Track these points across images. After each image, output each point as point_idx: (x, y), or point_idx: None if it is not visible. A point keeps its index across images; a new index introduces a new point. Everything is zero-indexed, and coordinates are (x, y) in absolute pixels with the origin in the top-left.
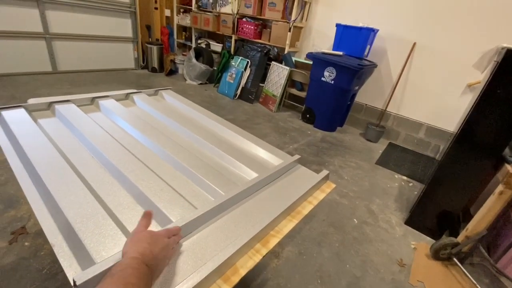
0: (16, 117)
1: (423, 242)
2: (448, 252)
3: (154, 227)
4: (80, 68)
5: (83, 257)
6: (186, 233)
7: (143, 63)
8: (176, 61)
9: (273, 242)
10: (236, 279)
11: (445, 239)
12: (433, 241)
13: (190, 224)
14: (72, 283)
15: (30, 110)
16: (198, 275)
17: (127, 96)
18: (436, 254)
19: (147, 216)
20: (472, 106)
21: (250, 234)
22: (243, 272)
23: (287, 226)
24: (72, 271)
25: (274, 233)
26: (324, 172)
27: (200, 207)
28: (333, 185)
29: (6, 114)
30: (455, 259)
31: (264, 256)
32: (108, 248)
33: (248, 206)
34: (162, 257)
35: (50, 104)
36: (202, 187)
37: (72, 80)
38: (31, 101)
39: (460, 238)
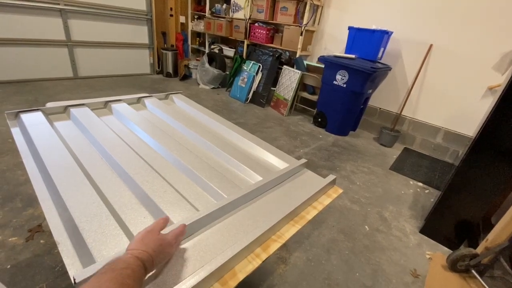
0: (33, 120)
1: (439, 252)
2: (466, 264)
3: None
4: (99, 73)
5: (85, 256)
6: (186, 235)
7: (159, 68)
8: (190, 66)
9: (274, 247)
10: (234, 284)
11: (463, 250)
12: (450, 251)
13: (191, 226)
14: (72, 281)
15: (47, 113)
16: (194, 278)
17: (138, 100)
18: (453, 266)
19: (165, 222)
20: (492, 109)
21: (250, 238)
22: (241, 276)
23: (290, 231)
24: (74, 269)
25: (276, 238)
26: (331, 177)
27: (202, 209)
28: (340, 190)
29: (25, 117)
30: (473, 271)
31: (264, 261)
32: (109, 247)
33: (251, 210)
34: (159, 263)
35: (66, 107)
36: (206, 189)
37: (91, 85)
38: (49, 105)
39: (479, 249)
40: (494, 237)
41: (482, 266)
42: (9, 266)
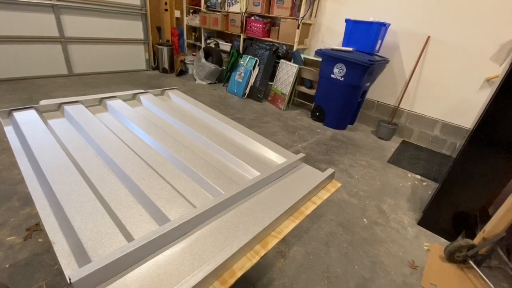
0: (27, 118)
1: (437, 244)
2: (463, 254)
3: (152, 225)
4: (94, 70)
5: (81, 255)
6: (184, 233)
7: (154, 64)
8: (186, 62)
9: (272, 243)
10: (232, 281)
11: (461, 241)
12: (448, 242)
13: (188, 223)
14: (68, 281)
15: (41, 111)
16: (194, 278)
17: (134, 96)
18: (450, 256)
19: None
20: (490, 100)
21: (250, 235)
22: (240, 273)
23: (289, 226)
24: (70, 268)
25: (275, 234)
26: (329, 171)
27: (200, 206)
28: (339, 184)
29: (18, 115)
30: (471, 261)
31: (262, 257)
32: (105, 246)
33: (249, 206)
34: None
35: (60, 105)
36: (203, 186)
37: (86, 82)
38: (42, 102)
39: (477, 239)
40: (491, 227)
41: (480, 257)
42: (7, 266)
